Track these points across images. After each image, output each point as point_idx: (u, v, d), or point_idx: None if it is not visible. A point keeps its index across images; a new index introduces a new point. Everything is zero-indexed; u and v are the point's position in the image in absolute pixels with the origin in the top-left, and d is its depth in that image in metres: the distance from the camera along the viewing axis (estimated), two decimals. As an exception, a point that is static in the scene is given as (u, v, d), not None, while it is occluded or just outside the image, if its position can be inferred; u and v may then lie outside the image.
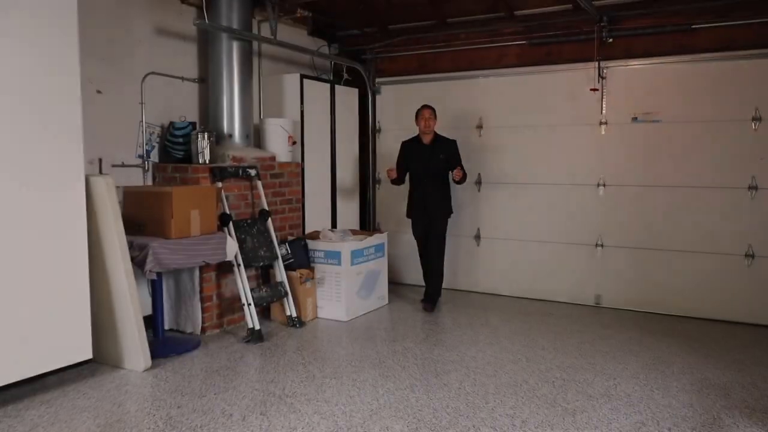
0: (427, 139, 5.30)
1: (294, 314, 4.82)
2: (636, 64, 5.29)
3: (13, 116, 3.17)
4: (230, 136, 4.95)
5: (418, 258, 5.60)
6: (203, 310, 4.55)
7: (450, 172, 5.30)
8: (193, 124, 4.82)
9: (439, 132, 5.35)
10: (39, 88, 3.28)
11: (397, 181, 5.44)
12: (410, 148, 5.40)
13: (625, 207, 5.41)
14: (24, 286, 3.25)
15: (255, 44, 5.40)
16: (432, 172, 5.28)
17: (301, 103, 5.60)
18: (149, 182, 4.67)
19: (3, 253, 3.15)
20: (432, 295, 5.43)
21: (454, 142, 5.37)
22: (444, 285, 5.97)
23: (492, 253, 6.03)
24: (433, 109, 5.28)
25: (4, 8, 3.09)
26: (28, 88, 3.23)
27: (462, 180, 5.24)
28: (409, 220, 5.54)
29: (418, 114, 5.31)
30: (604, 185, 5.49)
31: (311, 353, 4.19)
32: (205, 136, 4.55)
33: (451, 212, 5.46)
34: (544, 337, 4.57)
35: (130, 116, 4.52)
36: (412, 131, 5.45)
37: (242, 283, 4.45)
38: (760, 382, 3.69)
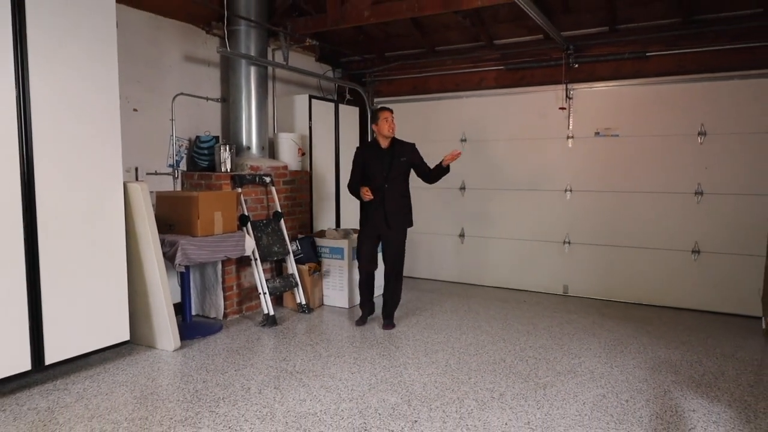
0: (385, 144, 4.27)
1: (303, 302, 4.84)
2: (598, 87, 5.32)
3: (68, 134, 3.20)
4: (248, 148, 4.97)
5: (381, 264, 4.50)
6: (225, 299, 4.58)
7: (410, 177, 4.35)
8: (217, 137, 4.84)
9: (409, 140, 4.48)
10: (86, 109, 3.30)
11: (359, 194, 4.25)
12: (368, 154, 4.31)
13: (589, 209, 5.44)
14: (73, 278, 3.27)
15: (270, 69, 5.42)
16: (395, 177, 4.22)
17: (310, 119, 5.62)
18: (178, 188, 4.68)
19: (56, 250, 3.16)
20: (391, 313, 4.45)
21: (413, 144, 4.38)
22: (432, 277, 5.97)
23: (474, 249, 6.05)
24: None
25: (63, 44, 3.12)
26: (79, 110, 3.26)
27: (446, 170, 4.25)
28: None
29: (378, 116, 4.24)
30: (570, 190, 5.52)
31: (318, 335, 4.21)
32: (227, 148, 4.57)
33: (412, 225, 4.40)
34: (519, 322, 4.60)
35: (162, 131, 4.54)
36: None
37: (259, 275, 4.48)
38: (705, 360, 3.73)
